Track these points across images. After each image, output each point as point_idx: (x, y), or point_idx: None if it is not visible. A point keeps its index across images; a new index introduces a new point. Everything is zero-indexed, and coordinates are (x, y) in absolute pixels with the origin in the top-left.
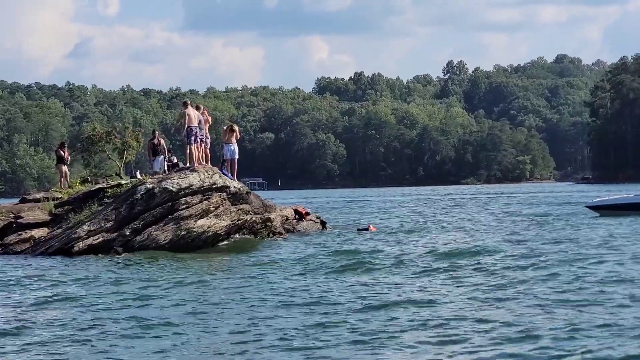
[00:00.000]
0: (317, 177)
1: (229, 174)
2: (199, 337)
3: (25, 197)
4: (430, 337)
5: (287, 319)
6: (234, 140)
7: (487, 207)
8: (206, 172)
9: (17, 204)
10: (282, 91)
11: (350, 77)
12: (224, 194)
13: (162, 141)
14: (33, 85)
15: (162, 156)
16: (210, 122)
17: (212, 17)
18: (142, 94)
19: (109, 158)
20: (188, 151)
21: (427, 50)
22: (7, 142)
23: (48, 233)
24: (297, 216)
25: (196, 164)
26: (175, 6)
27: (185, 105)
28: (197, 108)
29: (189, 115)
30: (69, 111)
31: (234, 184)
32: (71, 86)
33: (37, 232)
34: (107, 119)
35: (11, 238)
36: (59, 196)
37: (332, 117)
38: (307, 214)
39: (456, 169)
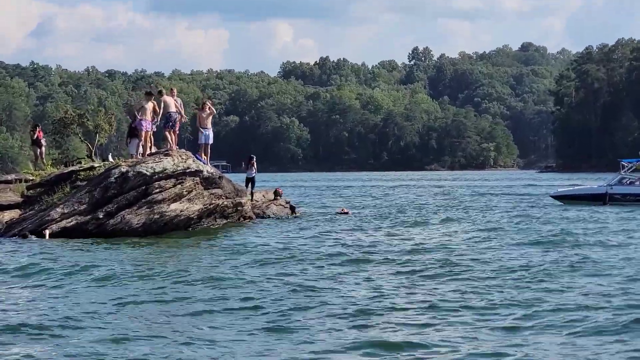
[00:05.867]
0: (281, 160)
1: (202, 159)
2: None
3: None
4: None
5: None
6: (209, 124)
7: (458, 196)
8: (180, 156)
9: None
10: (248, 75)
11: (316, 61)
12: (197, 178)
13: None
14: None
15: (139, 140)
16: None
17: None
18: (106, 75)
19: (82, 141)
20: (167, 136)
21: (391, 36)
22: None
23: (20, 215)
24: (276, 197)
25: (173, 148)
26: None
27: (160, 93)
28: (171, 92)
29: (166, 102)
30: (33, 91)
31: (207, 169)
32: (35, 66)
33: (8, 214)
34: (72, 100)
35: None
36: (31, 178)
37: (297, 101)
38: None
39: (420, 155)
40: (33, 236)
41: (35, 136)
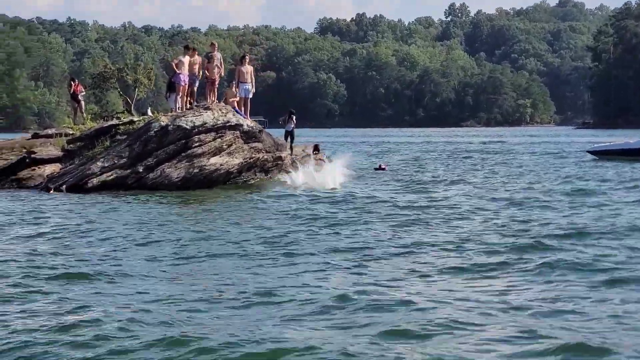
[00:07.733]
0: (318, 116)
1: (242, 113)
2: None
3: (38, 132)
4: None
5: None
6: (248, 78)
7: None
8: (220, 110)
9: (29, 139)
10: (284, 31)
11: (352, 18)
12: (237, 132)
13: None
14: (34, 19)
15: (177, 94)
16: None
17: None
18: (143, 30)
19: (120, 95)
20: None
21: None
22: (8, 76)
23: (60, 169)
24: (315, 151)
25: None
26: None
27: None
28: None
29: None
30: (70, 47)
31: (247, 122)
32: (72, 22)
33: (49, 168)
34: (109, 55)
35: (24, 173)
36: (71, 132)
37: (334, 57)
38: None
39: (456, 112)
40: (54, 192)
41: (72, 90)
